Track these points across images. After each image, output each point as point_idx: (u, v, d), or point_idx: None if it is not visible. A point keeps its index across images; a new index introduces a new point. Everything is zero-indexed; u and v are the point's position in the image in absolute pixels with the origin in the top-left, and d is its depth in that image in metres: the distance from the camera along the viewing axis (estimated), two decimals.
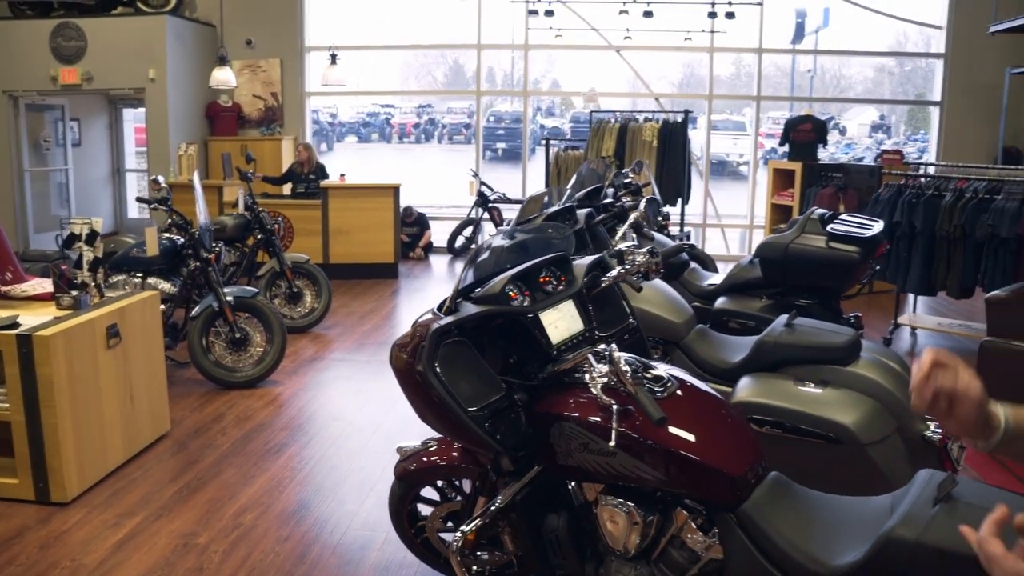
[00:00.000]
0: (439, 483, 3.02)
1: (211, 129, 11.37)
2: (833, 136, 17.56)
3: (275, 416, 5.26)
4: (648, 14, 10.68)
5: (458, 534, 2.44)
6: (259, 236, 7.15)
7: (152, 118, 10.44)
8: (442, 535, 3.06)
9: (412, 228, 11.25)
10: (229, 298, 5.66)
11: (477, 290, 2.45)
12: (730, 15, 10.60)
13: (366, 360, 6.48)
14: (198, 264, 5.76)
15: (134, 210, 12.97)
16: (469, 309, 2.35)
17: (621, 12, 10.82)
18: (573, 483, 2.39)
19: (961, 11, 10.57)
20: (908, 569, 1.79)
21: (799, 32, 14.67)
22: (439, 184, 16.54)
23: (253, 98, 11.47)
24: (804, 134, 9.87)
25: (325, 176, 9.81)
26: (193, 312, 5.72)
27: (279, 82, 11.43)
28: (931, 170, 8.55)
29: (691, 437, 2.14)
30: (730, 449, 2.20)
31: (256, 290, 5.93)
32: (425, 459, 2.91)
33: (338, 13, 12.06)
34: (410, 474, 2.96)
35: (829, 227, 4.46)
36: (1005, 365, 4.58)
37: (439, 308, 2.42)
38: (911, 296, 7.59)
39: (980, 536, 1.07)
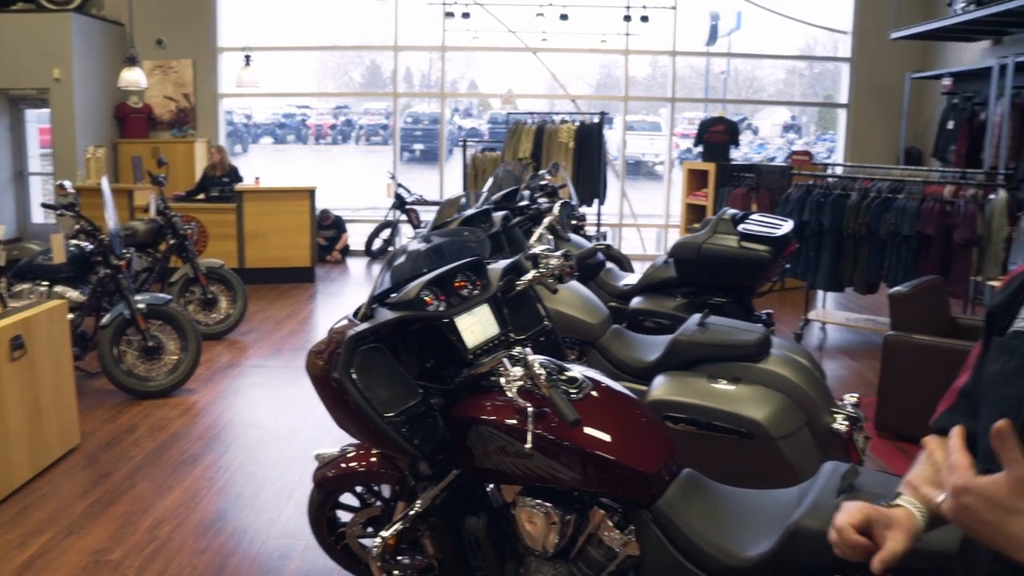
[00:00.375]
0: (358, 489, 3.02)
1: (120, 131, 11.05)
2: (746, 136, 18.00)
3: (190, 425, 5.15)
4: (564, 17, 10.81)
5: (378, 539, 2.44)
6: (171, 241, 6.98)
7: (57, 120, 10.07)
8: (362, 541, 3.05)
9: (329, 231, 11.13)
10: (141, 305, 5.53)
11: (393, 295, 2.44)
12: (644, 18, 10.79)
13: (283, 366, 6.39)
14: (108, 271, 5.61)
15: (39, 215, 12.46)
16: (384, 315, 2.34)
17: (538, 15, 10.92)
18: (491, 485, 2.41)
19: (865, 17, 10.96)
20: (814, 557, 1.86)
21: (713, 35, 14.98)
22: (356, 186, 16.42)
23: (164, 99, 11.19)
24: (717, 135, 10.11)
25: (239, 179, 9.60)
26: (103, 320, 5.56)
27: (191, 83, 11.17)
28: (838, 171, 8.84)
29: (605, 437, 2.18)
30: (644, 448, 2.24)
31: (169, 297, 5.80)
32: (343, 465, 2.90)
33: (252, 13, 11.85)
34: (329, 481, 2.95)
35: (740, 227, 4.58)
36: (907, 357, 4.77)
37: (355, 314, 2.41)
38: (820, 292, 7.84)
39: (952, 443, 1.13)
